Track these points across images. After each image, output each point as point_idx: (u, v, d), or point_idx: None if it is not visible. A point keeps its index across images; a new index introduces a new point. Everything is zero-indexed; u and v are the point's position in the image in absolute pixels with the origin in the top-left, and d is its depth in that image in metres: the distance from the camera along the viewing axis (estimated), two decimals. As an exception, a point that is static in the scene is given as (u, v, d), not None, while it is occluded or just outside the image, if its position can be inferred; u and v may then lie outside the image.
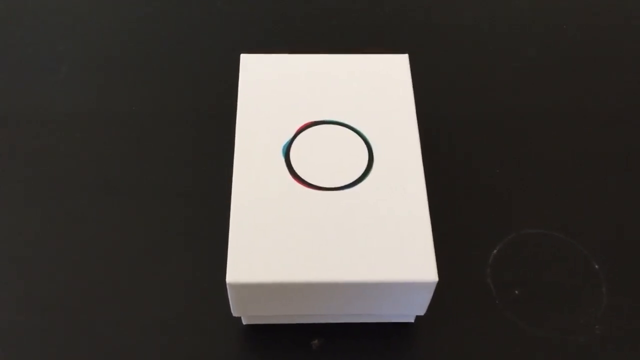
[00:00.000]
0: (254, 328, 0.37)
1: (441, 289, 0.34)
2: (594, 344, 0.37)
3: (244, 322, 0.37)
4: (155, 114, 0.46)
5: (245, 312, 0.35)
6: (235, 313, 0.35)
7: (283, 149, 0.37)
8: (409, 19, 0.52)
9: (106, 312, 0.37)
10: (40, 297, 0.38)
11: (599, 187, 0.43)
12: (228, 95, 0.42)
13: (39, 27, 0.51)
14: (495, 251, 0.40)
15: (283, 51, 0.41)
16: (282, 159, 0.36)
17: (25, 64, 0.48)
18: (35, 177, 0.43)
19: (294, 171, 0.36)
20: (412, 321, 0.37)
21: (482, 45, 0.51)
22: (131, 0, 0.53)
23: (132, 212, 0.41)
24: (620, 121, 0.47)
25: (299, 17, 0.52)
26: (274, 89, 0.39)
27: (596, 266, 0.40)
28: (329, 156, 0.37)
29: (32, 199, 0.42)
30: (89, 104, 0.46)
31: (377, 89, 0.39)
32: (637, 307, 0.39)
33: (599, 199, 0.43)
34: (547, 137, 0.46)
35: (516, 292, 0.39)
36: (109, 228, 0.41)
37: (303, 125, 0.38)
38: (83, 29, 0.51)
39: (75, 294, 0.38)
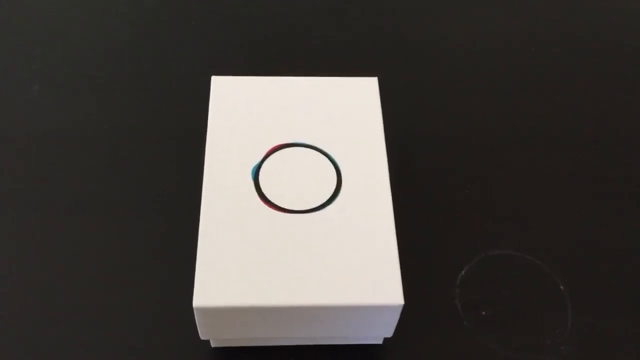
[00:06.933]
0: (223, 351, 0.37)
1: (409, 311, 0.35)
2: (559, 364, 0.38)
3: (213, 345, 0.37)
4: (126, 134, 0.46)
5: (212, 335, 0.35)
6: (202, 336, 0.35)
7: (252, 171, 0.37)
8: (379, 41, 0.53)
9: (72, 336, 0.37)
10: (6, 319, 0.38)
11: (566, 209, 0.44)
12: (199, 116, 0.42)
13: (11, 46, 0.51)
14: (462, 273, 0.41)
15: (254, 73, 0.42)
16: (251, 181, 0.37)
17: (-4, 83, 0.48)
18: (5, 195, 0.42)
19: (262, 194, 0.36)
20: (381, 342, 0.38)
21: (453, 67, 0.52)
22: (104, 21, 0.53)
23: (99, 234, 0.41)
24: (589, 143, 0.48)
25: (270, 40, 0.52)
26: (244, 111, 0.40)
27: (562, 287, 0.40)
28: (297, 179, 0.37)
29: (2, 218, 0.41)
30: (61, 123, 0.46)
31: (346, 112, 0.40)
32: (602, 328, 0.39)
33: (566, 221, 0.43)
34: (515, 158, 0.46)
35: (483, 313, 0.39)
36: (75, 249, 0.40)
37: (272, 148, 0.38)
38: (55, 48, 0.51)
39: (43, 316, 0.38)
